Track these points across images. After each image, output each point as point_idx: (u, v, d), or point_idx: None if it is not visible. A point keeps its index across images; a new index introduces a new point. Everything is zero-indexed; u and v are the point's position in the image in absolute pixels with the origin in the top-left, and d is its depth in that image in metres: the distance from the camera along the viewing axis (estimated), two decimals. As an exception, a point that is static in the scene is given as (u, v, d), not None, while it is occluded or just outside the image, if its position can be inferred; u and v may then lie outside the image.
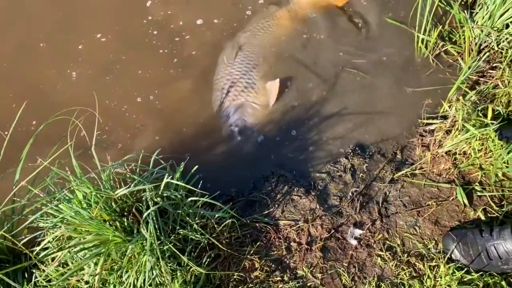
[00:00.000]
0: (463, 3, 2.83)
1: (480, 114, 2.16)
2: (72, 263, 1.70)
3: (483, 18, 2.56)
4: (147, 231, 1.62)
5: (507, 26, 2.51)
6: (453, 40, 2.70)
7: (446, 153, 2.18)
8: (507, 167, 2.06)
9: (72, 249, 1.65)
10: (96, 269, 1.66)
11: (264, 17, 2.84)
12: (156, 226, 1.73)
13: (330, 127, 2.44)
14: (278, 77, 2.53)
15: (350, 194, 2.17)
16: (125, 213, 1.78)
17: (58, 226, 1.68)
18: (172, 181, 1.71)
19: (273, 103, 2.47)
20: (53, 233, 1.68)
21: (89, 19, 3.00)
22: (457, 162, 2.17)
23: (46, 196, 1.70)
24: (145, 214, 1.67)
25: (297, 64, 2.69)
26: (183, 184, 1.72)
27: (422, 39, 2.62)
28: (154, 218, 1.71)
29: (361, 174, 2.25)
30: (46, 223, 1.70)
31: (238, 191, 2.21)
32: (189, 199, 1.80)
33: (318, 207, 2.11)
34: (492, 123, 2.04)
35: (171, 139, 2.50)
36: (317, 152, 2.37)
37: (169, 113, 2.57)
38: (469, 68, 2.35)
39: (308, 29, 2.82)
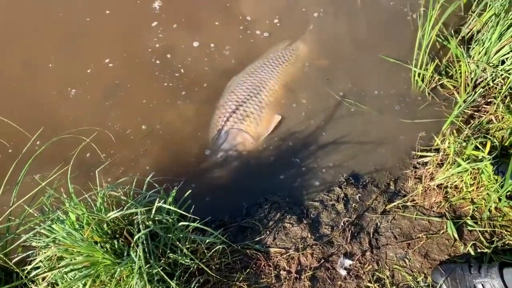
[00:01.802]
0: (460, 38, 2.89)
1: (479, 146, 2.17)
2: (62, 283, 1.73)
3: (479, 53, 2.62)
4: (137, 254, 1.65)
5: (503, 62, 2.56)
6: (450, 74, 2.75)
7: (437, 186, 2.20)
8: (499, 200, 2.07)
9: (62, 270, 1.68)
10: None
11: (278, 50, 2.92)
12: (147, 250, 1.76)
13: (325, 156, 2.48)
14: (280, 109, 2.61)
15: (342, 224, 2.18)
16: (117, 236, 1.81)
17: (50, 246, 1.71)
18: (164, 205, 1.75)
19: (266, 135, 2.54)
20: (45, 252, 1.71)
21: (99, 43, 3.09)
22: (448, 196, 2.19)
23: (40, 215, 1.74)
24: (136, 237, 1.70)
25: (297, 92, 2.74)
26: (174, 209, 1.75)
27: (419, 73, 2.67)
28: (144, 242, 1.73)
29: (353, 204, 2.26)
30: (39, 242, 1.74)
31: (231, 217, 2.24)
32: (180, 224, 1.83)
33: (309, 235, 2.13)
34: (486, 157, 2.06)
35: (170, 163, 2.54)
36: (311, 180, 2.40)
37: (170, 137, 2.62)
38: (464, 102, 2.39)
39: (310, 62, 2.90)
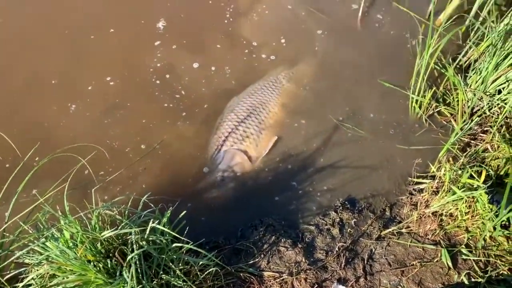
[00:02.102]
0: (458, 66, 2.93)
1: (474, 175, 2.18)
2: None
3: (476, 82, 2.65)
4: (129, 274, 1.65)
5: (500, 91, 2.59)
6: (447, 101, 2.77)
7: (432, 213, 2.20)
8: (495, 229, 2.07)
9: (54, 288, 1.68)
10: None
11: (279, 72, 2.96)
12: (139, 270, 1.76)
13: (322, 179, 2.48)
14: (278, 130, 2.64)
15: (337, 249, 2.18)
16: (110, 255, 1.81)
17: (43, 264, 1.71)
18: (158, 226, 1.75)
19: (263, 156, 2.55)
20: (37, 270, 1.71)
21: (102, 60, 3.13)
22: (443, 224, 2.19)
23: (35, 232, 1.74)
24: (129, 257, 1.70)
25: (296, 116, 2.76)
26: (167, 231, 1.75)
27: (417, 100, 2.69)
28: (137, 262, 1.73)
29: (349, 229, 2.26)
30: (32, 259, 1.74)
31: (226, 239, 2.24)
32: (174, 245, 1.83)
33: (303, 260, 2.12)
34: (481, 186, 2.07)
35: (168, 182, 2.55)
36: (307, 203, 2.40)
37: (169, 157, 2.63)
38: (460, 129, 2.41)
39: (310, 86, 2.93)
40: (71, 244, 1.72)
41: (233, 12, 3.38)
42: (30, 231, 1.78)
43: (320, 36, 3.22)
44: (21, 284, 1.72)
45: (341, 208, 2.35)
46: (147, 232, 1.77)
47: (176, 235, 1.78)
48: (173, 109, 2.84)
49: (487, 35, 2.68)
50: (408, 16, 3.22)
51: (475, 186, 2.13)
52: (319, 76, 2.98)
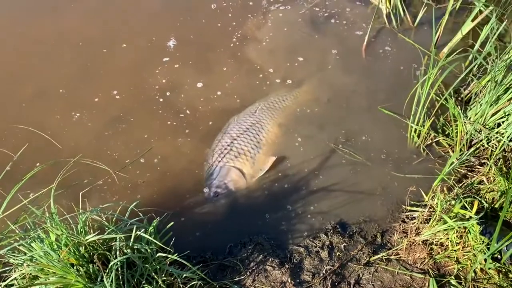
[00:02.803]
0: (459, 98, 2.94)
1: (466, 205, 2.16)
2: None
3: (475, 114, 2.65)
4: (109, 280, 1.65)
5: (499, 125, 2.59)
6: (446, 132, 2.77)
7: (423, 242, 2.17)
8: (485, 261, 2.03)
9: (35, 289, 1.69)
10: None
11: (280, 94, 3.01)
12: (121, 277, 1.77)
13: (315, 201, 2.48)
14: (276, 150, 2.66)
15: (324, 271, 2.16)
16: (94, 260, 1.82)
17: (27, 264, 1.73)
18: (143, 234, 1.76)
19: (260, 175, 2.55)
20: (20, 270, 1.72)
21: (111, 74, 3.22)
22: (433, 253, 2.16)
23: (21, 232, 1.77)
24: (111, 263, 1.71)
25: (296, 137, 2.79)
26: (152, 239, 1.76)
27: (415, 129, 2.70)
28: (120, 269, 1.74)
29: (338, 253, 2.24)
30: (16, 259, 1.75)
31: (213, 254, 2.23)
32: (158, 255, 1.83)
33: (289, 280, 2.10)
34: (473, 217, 2.04)
35: (164, 196, 2.56)
36: (298, 225, 2.39)
37: (167, 172, 2.66)
38: (456, 159, 2.40)
39: (311, 109, 2.96)
40: (55, 247, 1.74)
41: (240, 36, 3.46)
42: (17, 231, 1.80)
43: (324, 61, 3.27)
44: (3, 283, 1.73)
45: (332, 231, 2.34)
46: (132, 239, 1.78)
47: (161, 244, 1.78)
48: (175, 126, 2.88)
49: (489, 70, 2.69)
50: (412, 47, 3.27)
51: (467, 216, 2.11)
52: (320, 99, 3.01)
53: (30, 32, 3.53)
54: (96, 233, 1.73)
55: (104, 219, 1.87)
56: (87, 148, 2.76)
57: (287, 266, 2.17)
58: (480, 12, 3.15)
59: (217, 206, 2.47)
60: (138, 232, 1.77)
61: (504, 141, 2.41)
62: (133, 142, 2.78)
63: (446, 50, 3.24)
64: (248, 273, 2.14)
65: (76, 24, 3.58)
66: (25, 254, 1.74)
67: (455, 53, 3.13)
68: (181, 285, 1.92)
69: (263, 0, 3.73)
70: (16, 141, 2.80)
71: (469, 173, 2.55)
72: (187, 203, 2.53)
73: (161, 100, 3.02)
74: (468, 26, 3.14)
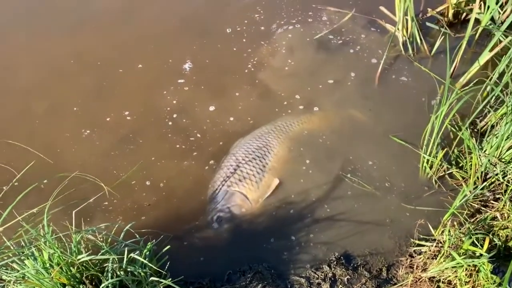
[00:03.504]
0: (475, 130, 2.85)
1: (477, 243, 2.06)
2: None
3: (491, 147, 2.55)
4: (98, 303, 1.62)
5: (516, 159, 2.49)
6: (460, 165, 2.68)
7: (429, 278, 2.07)
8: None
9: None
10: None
11: (289, 118, 2.98)
12: (112, 300, 1.73)
13: (319, 231, 2.41)
14: (281, 175, 2.61)
15: (324, 305, 2.07)
16: (84, 281, 1.79)
17: (19, 282, 1.71)
18: (136, 256, 1.73)
19: (264, 199, 2.50)
20: (13, 287, 1.70)
21: (125, 94, 3.25)
22: (440, 291, 2.05)
23: (16, 249, 1.76)
24: (103, 285, 1.68)
25: (303, 163, 2.73)
26: (146, 262, 1.72)
27: (428, 160, 2.62)
28: (111, 291, 1.71)
29: (340, 286, 2.16)
30: (9, 276, 1.74)
31: (211, 281, 2.18)
32: (151, 279, 1.79)
33: (287, 312, 2.03)
34: (484, 255, 1.94)
35: (168, 219, 2.54)
36: (301, 254, 2.32)
37: (172, 193, 2.64)
38: (468, 193, 2.31)
39: (320, 135, 2.92)
40: (48, 265, 1.72)
41: (254, 61, 3.45)
42: (12, 247, 1.79)
43: (336, 88, 3.23)
44: (-7, 301, 1.72)
45: (335, 263, 2.26)
46: (125, 261, 1.74)
47: (155, 267, 1.75)
48: (184, 149, 2.86)
49: (506, 102, 2.60)
50: (428, 76, 3.21)
51: (477, 254, 2.00)
52: (330, 125, 2.96)
53: (48, 50, 3.61)
54: (88, 253, 1.70)
55: (99, 238, 1.84)
56: (93, 166, 2.77)
57: (286, 297, 2.09)
58: (500, 41, 3.08)
59: (219, 231, 2.43)
60: (132, 254, 1.74)
61: (520, 176, 2.31)
62: (140, 163, 2.77)
63: (463, 80, 3.16)
64: (245, 302, 2.07)
65: (94, 44, 3.65)
66: (18, 271, 1.73)
67: (472, 83, 3.05)
68: (174, 312, 1.86)
69: (277, 25, 3.73)
70: (26, 155, 2.82)
71: (482, 208, 2.44)
72: (190, 226, 2.50)
73: (170, 123, 3.02)
74: (485, 56, 3.07)
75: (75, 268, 1.72)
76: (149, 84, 3.31)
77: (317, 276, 2.20)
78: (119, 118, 3.07)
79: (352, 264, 2.26)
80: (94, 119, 3.07)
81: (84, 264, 1.76)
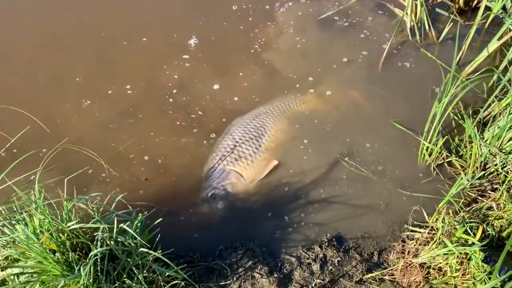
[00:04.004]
0: (478, 120, 2.81)
1: (470, 231, 2.05)
2: (10, 283, 1.72)
3: (492, 137, 2.52)
4: (86, 270, 1.63)
5: (516, 150, 2.45)
6: (460, 153, 2.65)
7: (420, 264, 2.06)
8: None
9: (13, 271, 1.68)
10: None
11: (286, 98, 2.94)
12: (102, 269, 1.74)
13: (313, 212, 2.41)
14: (278, 155, 2.59)
15: (313, 285, 2.08)
16: (77, 249, 1.80)
17: (9, 246, 1.73)
18: (125, 227, 1.73)
19: (259, 180, 2.49)
20: (3, 251, 1.72)
21: (128, 67, 3.22)
22: (430, 277, 2.04)
23: (7, 213, 1.77)
24: (92, 253, 1.69)
25: (300, 144, 2.71)
26: (132, 232, 1.73)
27: (427, 147, 2.59)
28: (99, 260, 1.72)
29: (330, 267, 2.16)
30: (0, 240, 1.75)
31: (202, 255, 2.19)
32: (141, 250, 1.80)
33: (276, 290, 2.03)
34: (476, 243, 1.92)
35: (163, 192, 2.54)
36: (293, 234, 2.32)
37: (169, 169, 2.64)
38: (467, 181, 2.29)
39: (318, 117, 2.88)
40: (38, 231, 1.73)
41: (259, 39, 3.40)
42: (3, 212, 1.80)
43: (339, 70, 3.18)
44: (-16, 263, 1.74)
45: (327, 244, 2.26)
46: (115, 231, 1.75)
47: (140, 240, 1.75)
48: (184, 126, 2.84)
49: (510, 91, 2.56)
50: (434, 63, 3.16)
51: (470, 242, 1.99)
52: (329, 106, 2.93)
53: (54, 20, 3.59)
54: (77, 220, 1.71)
55: (90, 207, 1.85)
56: (92, 138, 2.76)
57: (275, 275, 2.10)
58: (510, 30, 3.01)
59: (213, 208, 2.43)
60: (121, 225, 1.74)
61: (519, 167, 2.28)
62: (138, 138, 2.76)
63: (469, 69, 3.10)
64: (234, 278, 2.08)
65: (100, 15, 3.61)
66: (8, 235, 1.74)
67: (480, 72, 3.00)
68: (162, 283, 1.87)
69: (283, 2, 3.67)
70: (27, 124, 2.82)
71: (479, 198, 2.42)
72: (185, 202, 2.50)
73: (171, 100, 2.99)
74: (494, 44, 3.00)
75: (65, 235, 1.73)
76: (152, 58, 3.28)
77: (308, 256, 2.20)
78: (121, 91, 3.05)
79: (343, 246, 2.26)
80: (96, 90, 3.06)
81: (74, 232, 1.77)
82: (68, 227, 1.68)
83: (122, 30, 3.49)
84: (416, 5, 3.33)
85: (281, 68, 3.19)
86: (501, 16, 3.27)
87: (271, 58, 3.26)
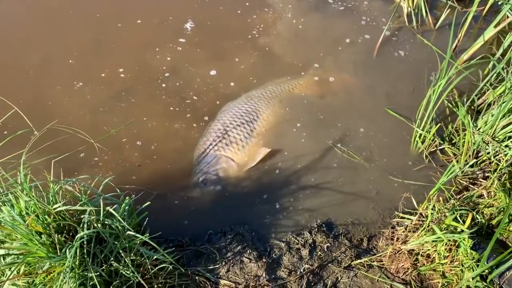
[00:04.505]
0: (472, 107, 2.79)
1: (459, 219, 2.05)
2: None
3: (485, 125, 2.51)
4: (72, 253, 1.62)
5: (510, 138, 2.44)
6: (453, 141, 2.64)
7: (408, 251, 2.06)
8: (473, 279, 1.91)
9: (-1, 253, 1.67)
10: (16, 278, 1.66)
11: (278, 82, 2.90)
12: (89, 252, 1.73)
13: (304, 198, 2.40)
14: (270, 141, 2.58)
15: (302, 270, 2.08)
16: (64, 231, 1.79)
17: (-6, 228, 1.71)
18: (111, 210, 1.72)
19: (251, 166, 2.47)
20: (-12, 233, 1.71)
21: (122, 50, 3.18)
22: (418, 264, 2.05)
23: (-7, 195, 1.75)
24: (77, 236, 1.68)
25: (293, 129, 2.69)
26: (117, 216, 1.71)
27: (420, 134, 2.57)
28: (85, 243, 1.71)
29: (319, 253, 2.16)
30: (-15, 222, 1.74)
31: (191, 239, 2.18)
32: (128, 233, 1.79)
33: (264, 275, 2.03)
34: (465, 231, 1.92)
35: (155, 176, 2.52)
36: (283, 220, 2.32)
37: (161, 154, 2.61)
38: (459, 168, 2.28)
39: (313, 104, 2.86)
40: (24, 213, 1.71)
41: (259, 28, 3.35)
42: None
43: (334, 55, 3.15)
44: (-30, 244, 1.72)
45: (316, 230, 2.25)
46: (101, 214, 1.74)
47: (124, 223, 1.73)
48: (178, 111, 2.80)
49: (506, 79, 2.54)
50: (429, 50, 3.13)
51: (459, 230, 1.99)
52: (321, 90, 2.90)
53: (45, 1, 3.52)
54: (63, 202, 1.69)
55: (77, 189, 1.83)
56: (83, 120, 2.74)
57: (264, 260, 2.10)
58: (507, 17, 2.98)
59: (204, 193, 2.42)
60: (108, 208, 1.73)
61: (511, 155, 2.26)
62: (130, 121, 2.73)
63: (465, 56, 3.08)
64: (223, 262, 2.08)
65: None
66: (-6, 217, 1.73)
67: (476, 59, 2.98)
68: (150, 267, 1.87)
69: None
70: (18, 105, 2.78)
71: (471, 186, 2.41)
72: (176, 186, 2.48)
73: (164, 85, 2.94)
74: (490, 31, 2.97)
75: (51, 217, 1.72)
76: (146, 41, 3.23)
77: (297, 242, 2.20)
78: (114, 74, 3.01)
79: (333, 232, 2.26)
80: (89, 73, 3.01)
81: (61, 214, 1.76)
82: (54, 209, 1.67)
83: (117, 11, 3.45)
84: (413, -10, 3.29)
85: (277, 52, 3.16)
86: (499, 3, 3.23)
87: (264, 43, 3.23)
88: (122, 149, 2.64)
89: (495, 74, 2.76)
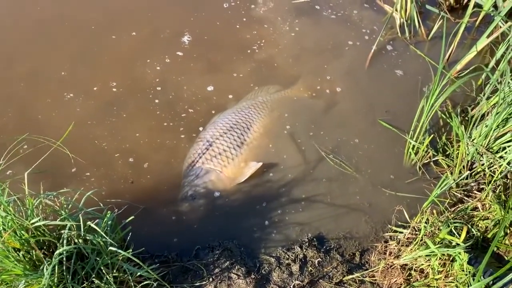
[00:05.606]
0: (466, 118, 2.76)
1: (454, 231, 1.99)
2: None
3: (479, 136, 2.46)
4: (49, 270, 1.56)
5: (504, 149, 2.39)
6: (447, 153, 2.59)
7: (401, 266, 2.00)
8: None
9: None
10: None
11: (268, 94, 2.85)
12: (68, 268, 1.67)
13: (295, 211, 2.34)
14: (260, 154, 2.53)
15: (291, 286, 2.01)
16: (44, 247, 1.73)
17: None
18: (92, 225, 1.66)
19: (242, 180, 2.41)
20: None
21: (115, 62, 3.10)
22: (411, 279, 1.98)
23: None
24: (57, 251, 1.62)
25: (282, 140, 2.64)
26: (99, 230, 1.66)
27: (414, 146, 2.53)
28: (67, 260, 1.65)
29: (310, 268, 2.09)
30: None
31: (178, 255, 2.12)
32: (110, 249, 1.73)
33: (252, 292, 1.97)
34: (461, 245, 1.86)
35: (144, 191, 2.45)
36: (274, 234, 2.26)
37: (151, 168, 2.54)
38: (453, 180, 2.23)
39: (303, 113, 2.82)
40: (1, 229, 1.66)
41: (258, 44, 3.30)
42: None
43: (327, 66, 3.12)
44: None
45: (307, 244, 2.19)
46: (82, 229, 1.68)
47: (107, 238, 1.68)
48: (171, 127, 2.72)
49: (499, 89, 2.50)
50: (422, 61, 3.10)
51: (453, 244, 1.93)
52: (315, 102, 2.87)
53: (40, 11, 3.45)
54: (40, 218, 1.64)
55: (58, 204, 1.78)
56: (73, 134, 2.67)
57: (253, 276, 2.03)
58: (500, 27, 2.96)
59: (192, 207, 2.36)
60: (89, 223, 1.67)
61: (505, 166, 2.22)
62: (121, 136, 2.67)
63: (458, 66, 3.05)
64: (210, 279, 2.01)
65: (89, 7, 3.50)
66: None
67: (469, 70, 2.95)
68: (133, 283, 1.80)
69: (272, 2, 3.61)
70: (7, 118, 2.74)
71: (465, 198, 2.36)
72: (164, 200, 2.42)
73: (157, 101, 2.86)
74: (483, 41, 2.95)
75: (30, 233, 1.66)
76: (139, 54, 3.16)
77: (287, 257, 2.14)
78: (105, 89, 2.91)
79: (324, 247, 2.20)
80: (81, 87, 2.94)
81: (40, 230, 1.70)
82: (32, 224, 1.61)
83: (111, 23, 3.37)
84: (406, 1, 3.27)
85: (266, 64, 3.12)
86: (492, 14, 3.21)
87: (258, 55, 3.20)
88: (112, 163, 2.57)
89: (489, 85, 2.72)
